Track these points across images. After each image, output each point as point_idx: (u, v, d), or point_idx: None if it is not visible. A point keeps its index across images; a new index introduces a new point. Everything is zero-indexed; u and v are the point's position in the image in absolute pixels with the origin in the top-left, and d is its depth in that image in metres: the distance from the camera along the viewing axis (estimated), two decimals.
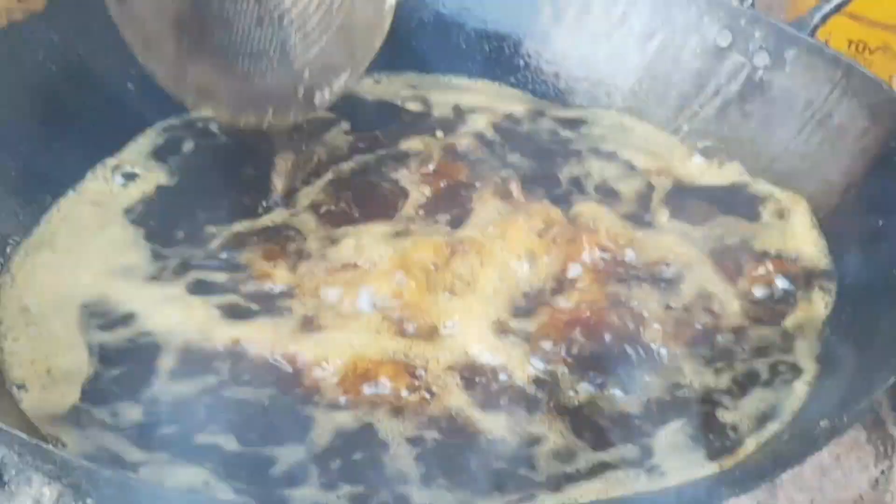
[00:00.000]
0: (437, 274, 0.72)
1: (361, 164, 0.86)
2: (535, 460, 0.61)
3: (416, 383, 0.63)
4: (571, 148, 0.93)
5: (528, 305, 0.73)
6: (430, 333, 0.67)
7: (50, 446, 0.59)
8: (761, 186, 0.90)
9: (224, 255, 0.75)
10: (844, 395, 0.69)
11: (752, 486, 0.66)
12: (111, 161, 0.83)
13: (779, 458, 0.67)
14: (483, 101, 0.96)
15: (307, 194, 0.82)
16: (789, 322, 0.76)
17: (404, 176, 0.83)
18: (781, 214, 0.85)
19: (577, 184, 0.87)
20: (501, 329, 0.69)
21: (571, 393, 0.66)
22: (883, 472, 0.78)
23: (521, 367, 0.66)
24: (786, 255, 0.82)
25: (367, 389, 0.63)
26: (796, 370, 0.73)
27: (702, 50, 0.96)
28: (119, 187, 0.82)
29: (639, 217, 0.84)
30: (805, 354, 0.74)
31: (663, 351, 0.72)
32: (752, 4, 1.09)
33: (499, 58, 1.02)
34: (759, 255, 0.81)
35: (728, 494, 0.60)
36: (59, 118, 0.81)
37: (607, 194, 0.86)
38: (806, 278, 0.80)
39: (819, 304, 0.78)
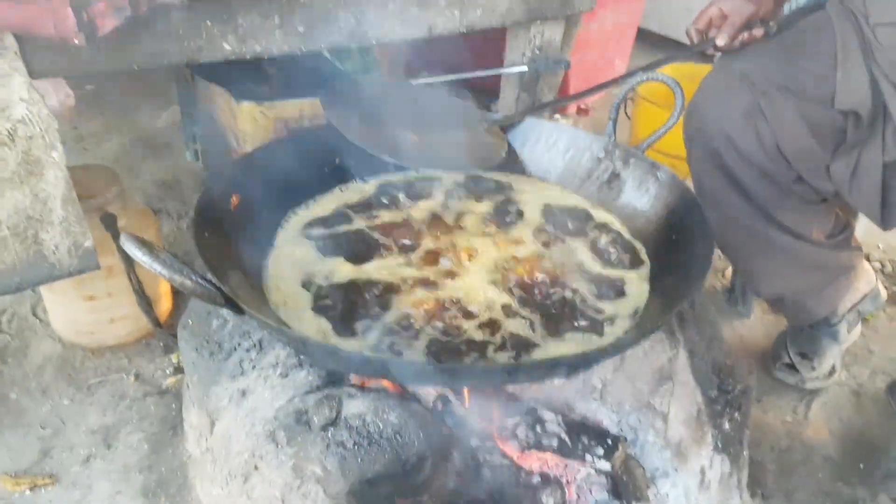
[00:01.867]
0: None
1: None
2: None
3: None
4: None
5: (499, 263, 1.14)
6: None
7: (284, 328, 0.96)
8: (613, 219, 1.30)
9: None
10: (655, 317, 1.06)
11: (615, 354, 1.06)
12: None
13: (626, 344, 1.03)
14: (501, 177, 1.38)
15: None
16: (630, 286, 1.14)
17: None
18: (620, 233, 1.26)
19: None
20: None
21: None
22: (671, 356, 1.20)
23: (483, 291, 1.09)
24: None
25: None
26: (638, 300, 1.12)
27: (591, 158, 1.37)
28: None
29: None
30: (637, 298, 1.12)
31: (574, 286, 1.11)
32: (615, 138, 1.36)
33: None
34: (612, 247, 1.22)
35: (602, 359, 0.99)
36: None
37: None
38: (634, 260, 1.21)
39: (644, 272, 1.17)
